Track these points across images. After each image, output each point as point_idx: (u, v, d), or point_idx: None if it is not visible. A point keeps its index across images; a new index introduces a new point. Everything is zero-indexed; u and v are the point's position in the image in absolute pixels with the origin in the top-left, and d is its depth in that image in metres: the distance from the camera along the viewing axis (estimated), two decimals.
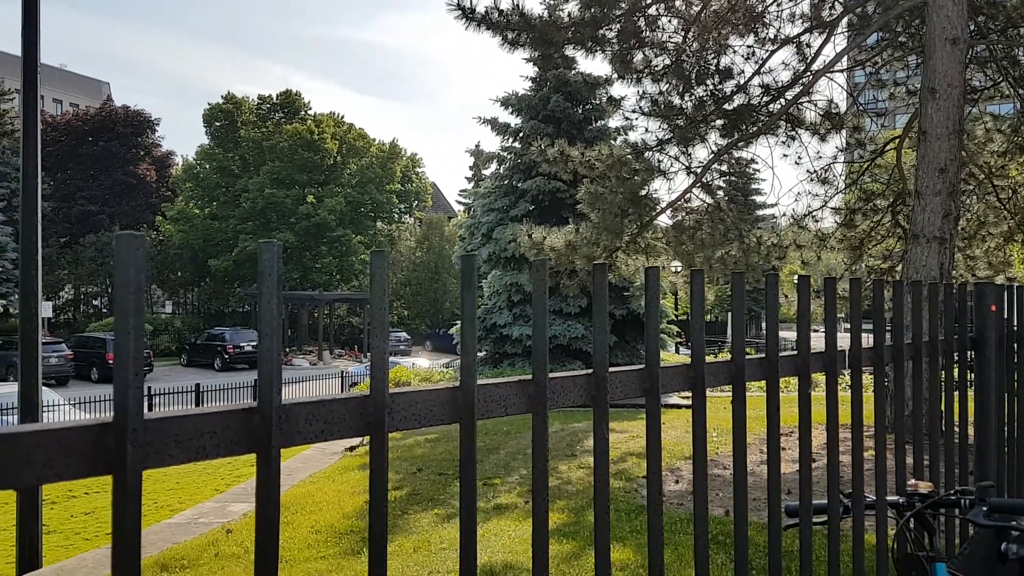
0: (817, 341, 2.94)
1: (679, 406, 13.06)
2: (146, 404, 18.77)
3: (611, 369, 1.75)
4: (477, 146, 59.19)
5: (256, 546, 1.19)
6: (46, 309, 37.85)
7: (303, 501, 8.28)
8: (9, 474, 0.94)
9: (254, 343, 38.39)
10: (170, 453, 1.09)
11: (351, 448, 12.42)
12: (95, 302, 49.32)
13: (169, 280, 49.05)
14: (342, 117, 49.72)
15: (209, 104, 48.20)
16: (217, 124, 47.56)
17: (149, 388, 19.68)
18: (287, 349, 43.22)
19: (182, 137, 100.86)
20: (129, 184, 51.06)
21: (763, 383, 2.28)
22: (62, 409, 17.58)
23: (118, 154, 50.86)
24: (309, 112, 49.32)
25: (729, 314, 35.85)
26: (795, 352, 2.40)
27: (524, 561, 6.00)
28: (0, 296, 38.51)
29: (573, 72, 19.13)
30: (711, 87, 9.85)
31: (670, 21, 9.47)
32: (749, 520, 2.62)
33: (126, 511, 1.03)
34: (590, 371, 1.72)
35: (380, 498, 1.33)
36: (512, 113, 21.04)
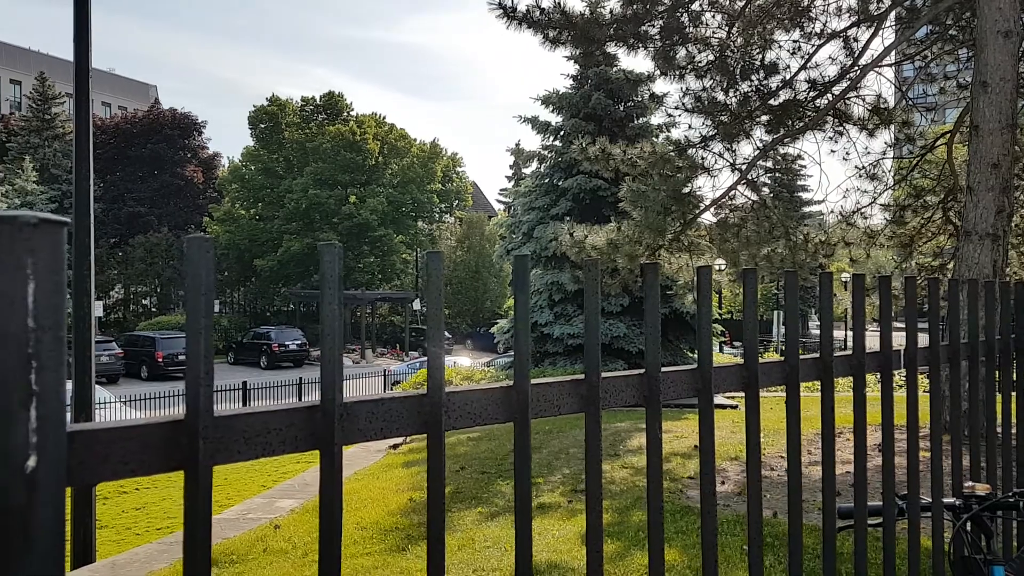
0: (867, 340, 2.88)
1: (723, 406, 12.92)
2: None
3: (663, 369, 1.74)
4: (517, 145, 59.24)
5: (320, 539, 1.22)
6: (97, 309, 38.84)
7: (348, 498, 8.37)
8: (89, 470, 0.98)
9: (298, 341, 38.94)
10: (238, 449, 1.12)
11: (394, 446, 12.52)
12: (144, 301, 50.45)
13: (216, 280, 49.92)
14: (384, 118, 50.16)
15: (254, 106, 49.02)
16: (262, 126, 48.30)
17: None
18: None
19: (228, 139, 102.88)
20: (177, 185, 52.13)
21: (810, 384, 2.25)
22: (114, 407, 18.03)
23: (166, 156, 51.95)
24: (351, 113, 49.84)
25: (775, 313, 35.31)
26: (850, 352, 2.36)
27: (568, 560, 6.00)
28: None
29: (614, 69, 19.02)
30: (756, 82, 9.72)
31: (714, 16, 9.37)
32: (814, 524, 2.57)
33: (197, 504, 1.06)
34: (642, 371, 1.72)
35: (438, 496, 1.35)
36: (553, 111, 21.00)
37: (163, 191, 51.32)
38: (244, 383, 20.24)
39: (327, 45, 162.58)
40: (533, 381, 1.48)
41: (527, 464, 1.46)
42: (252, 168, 48.06)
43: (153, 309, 49.01)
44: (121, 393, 21.87)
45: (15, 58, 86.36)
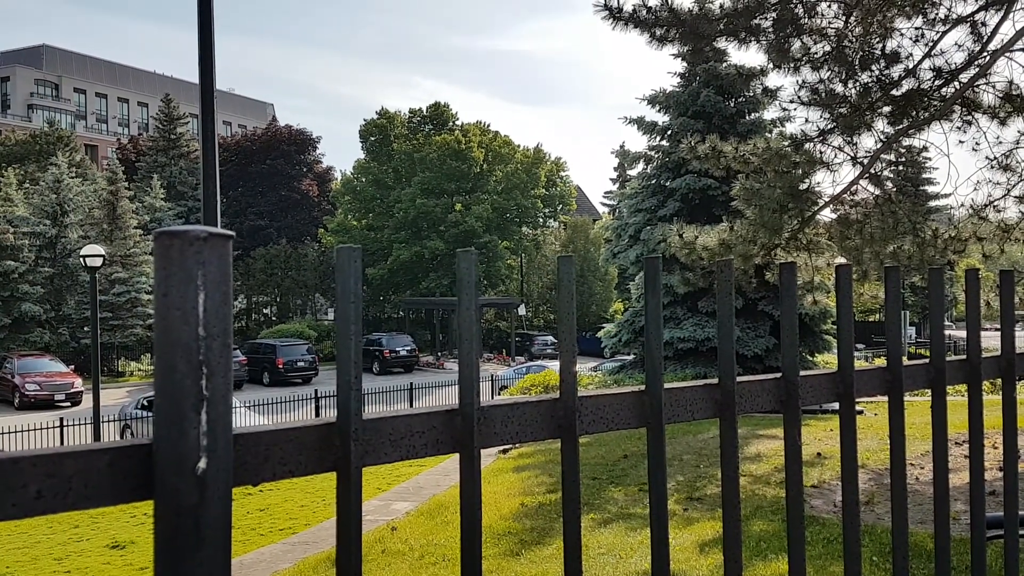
0: (989, 341, 2.66)
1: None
2: (313, 407, 19.91)
3: (802, 373, 1.68)
4: (622, 146, 58.63)
5: (462, 542, 1.23)
6: None
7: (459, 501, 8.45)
8: (251, 470, 1.02)
9: (408, 348, 39.85)
10: (385, 452, 1.14)
11: (504, 450, 12.62)
12: (264, 310, 52.87)
13: (331, 288, 51.77)
14: (488, 125, 50.80)
15: (365, 120, 50.59)
16: (372, 139, 49.80)
17: (316, 391, 20.82)
18: (439, 353, 44.57)
19: (340, 152, 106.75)
20: (294, 199, 54.42)
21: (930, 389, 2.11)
22: (238, 411, 18.95)
23: (283, 171, 54.34)
24: (456, 123, 50.71)
25: (903, 312, 33.54)
26: (998, 353, 2.21)
27: (687, 569, 5.88)
28: None
29: (724, 64, 18.59)
30: (876, 72, 9.27)
31: (830, 6, 9.00)
32: (932, 532, 2.39)
33: (349, 504, 1.09)
34: (779, 375, 1.66)
35: (573, 502, 1.34)
36: (659, 111, 20.71)
37: (281, 205, 53.68)
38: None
39: (435, 56, 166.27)
40: (667, 385, 1.46)
41: (662, 471, 1.44)
42: (363, 180, 49.60)
43: (273, 318, 51.27)
44: (245, 399, 22.96)
45: (142, 82, 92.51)
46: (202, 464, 0.90)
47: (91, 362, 18.03)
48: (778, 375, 1.66)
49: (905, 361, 1.92)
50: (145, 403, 21.19)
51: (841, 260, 12.54)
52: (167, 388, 0.92)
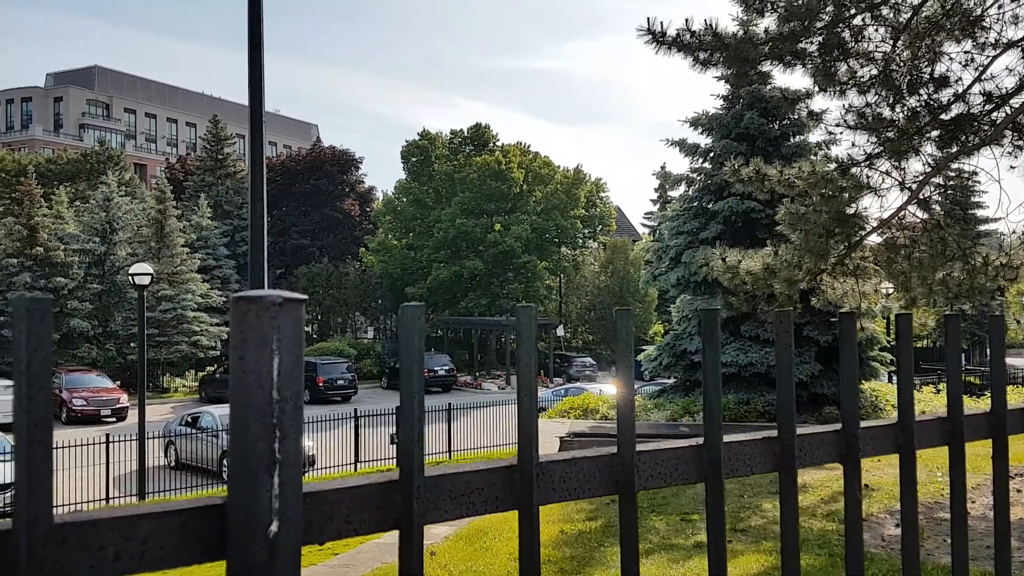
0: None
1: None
2: (352, 426, 20.06)
3: (862, 425, 1.65)
4: (663, 168, 58.49)
5: None
6: None
7: (500, 527, 8.44)
8: (317, 529, 1.04)
9: (447, 367, 39.94)
10: (445, 509, 1.15)
11: None
12: (306, 329, 53.45)
13: (371, 307, 52.31)
14: (528, 146, 51.04)
15: (406, 141, 51.20)
16: (413, 160, 50.35)
17: (355, 410, 20.95)
18: (477, 373, 44.63)
19: (380, 170, 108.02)
20: (336, 219, 55.17)
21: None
22: None
23: (326, 191, 55.18)
24: (497, 143, 51.05)
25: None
26: None
27: None
28: (225, 324, 42.61)
29: (768, 87, 18.47)
30: (925, 97, 9.14)
31: (876, 30, 8.90)
32: (985, 569, 2.32)
33: (411, 562, 1.10)
34: (839, 427, 1.63)
35: (632, 561, 1.33)
36: (702, 133, 20.61)
37: (324, 224, 54.44)
38: (398, 408, 21.02)
39: (474, 76, 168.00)
40: (725, 439, 1.44)
41: (720, 524, 1.42)
42: (404, 200, 50.11)
43: (314, 336, 51.84)
44: None
45: (190, 102, 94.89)
46: (274, 527, 0.92)
47: (137, 378, 18.39)
48: (838, 427, 1.64)
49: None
50: (189, 420, 21.52)
51: (887, 285, 12.33)
52: (241, 450, 0.94)
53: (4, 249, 36.47)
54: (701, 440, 1.42)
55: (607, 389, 28.06)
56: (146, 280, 18.37)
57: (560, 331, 46.00)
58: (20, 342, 0.83)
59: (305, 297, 0.99)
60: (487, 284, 47.04)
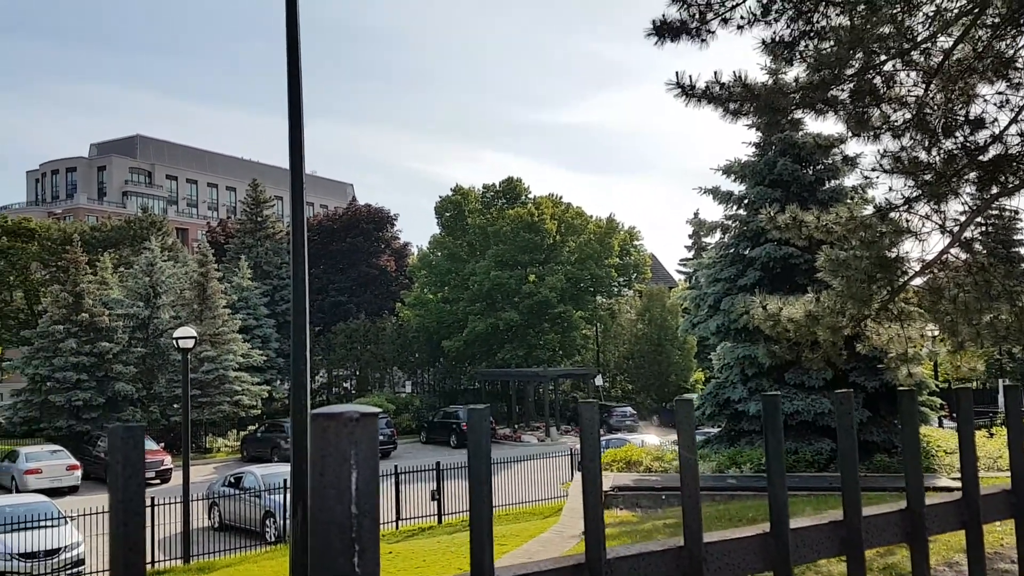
0: None
1: (947, 488, 11.73)
2: (392, 482, 19.98)
3: (927, 503, 1.62)
4: (696, 215, 58.46)
5: None
6: None
7: None
8: None
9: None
10: None
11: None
12: (345, 384, 53.80)
13: (408, 361, 52.48)
14: (560, 197, 51.39)
15: (440, 197, 51.92)
16: (447, 214, 50.96)
17: (395, 467, 20.89)
18: (516, 426, 44.32)
19: (414, 226, 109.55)
20: (372, 275, 55.83)
21: None
22: None
23: (363, 248, 55.98)
24: (529, 195, 51.51)
25: (999, 382, 31.95)
26: None
27: None
28: (266, 382, 43.04)
29: (801, 134, 18.49)
30: (961, 139, 9.07)
31: (908, 75, 8.90)
32: None
33: None
34: (903, 507, 1.61)
35: None
36: (735, 180, 20.63)
37: (360, 280, 55.11)
38: (437, 464, 20.90)
39: (504, 130, 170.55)
40: (792, 525, 1.43)
41: None
42: (438, 254, 50.61)
43: (353, 391, 52.07)
44: None
45: (229, 167, 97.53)
46: None
47: (182, 440, 18.58)
48: (903, 507, 1.61)
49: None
50: (232, 480, 21.61)
51: (933, 328, 12.08)
52: (322, 564, 0.96)
53: (51, 316, 37.37)
54: (767, 527, 1.41)
55: (649, 439, 27.65)
56: (190, 343, 18.68)
57: (599, 380, 45.63)
58: (116, 470, 0.87)
59: (379, 411, 1.01)
60: (523, 335, 47.00)
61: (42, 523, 16.48)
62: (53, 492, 25.14)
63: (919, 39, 8.61)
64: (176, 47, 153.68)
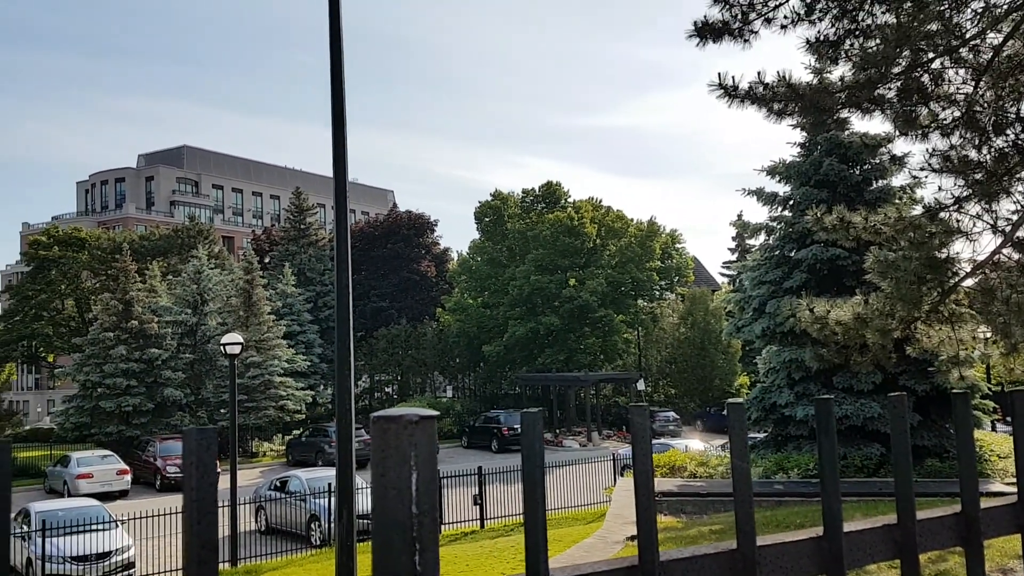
0: None
1: (1001, 493, 11.42)
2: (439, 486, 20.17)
3: (982, 506, 1.60)
4: (739, 217, 57.71)
5: None
6: None
7: None
8: None
9: None
10: None
11: (632, 537, 12.29)
12: (387, 389, 54.25)
13: (449, 366, 52.74)
14: (600, 201, 51.22)
15: (479, 202, 52.12)
16: (486, 220, 51.14)
17: (439, 471, 20.99)
18: (557, 430, 44.24)
19: (454, 231, 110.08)
20: (413, 280, 56.26)
21: None
22: (364, 492, 19.34)
23: (403, 254, 56.46)
24: (568, 200, 51.44)
25: None
26: None
27: None
28: (309, 387, 43.60)
29: (847, 133, 18.18)
30: (1012, 137, 8.85)
31: (956, 72, 8.73)
32: None
33: None
34: (958, 509, 1.59)
35: None
36: (780, 181, 20.37)
37: (401, 286, 55.58)
38: (479, 468, 20.96)
39: (545, 135, 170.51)
40: (845, 528, 1.42)
41: None
42: (478, 259, 50.80)
43: (395, 396, 52.48)
44: (367, 477, 23.34)
45: (273, 176, 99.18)
46: None
47: (229, 444, 18.91)
48: (957, 509, 1.59)
49: None
50: (278, 484, 21.94)
51: (985, 330, 11.78)
52: (384, 563, 0.99)
53: (102, 324, 38.31)
54: (820, 531, 1.41)
55: (692, 444, 27.40)
56: (237, 349, 19.02)
57: (641, 385, 45.35)
58: (191, 470, 0.91)
59: (437, 414, 1.04)
60: (564, 339, 46.91)
61: (94, 527, 16.87)
62: (104, 496, 25.73)
63: (968, 36, 8.43)
64: (221, 59, 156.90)
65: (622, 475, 22.61)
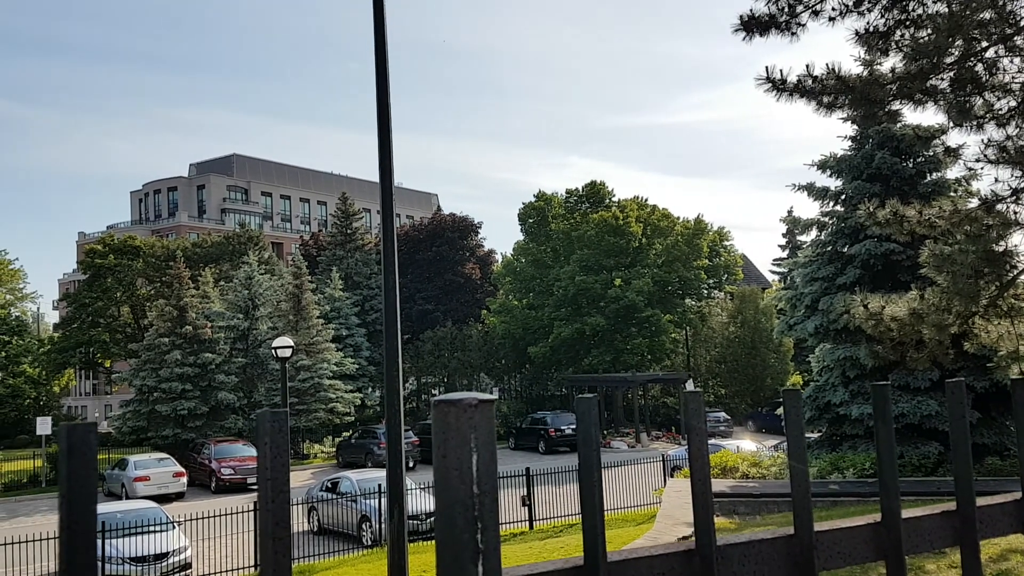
0: None
1: None
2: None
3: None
4: (790, 213, 56.80)
5: None
6: None
7: None
8: None
9: (574, 426, 39.46)
10: None
11: (684, 538, 12.18)
12: (433, 391, 54.61)
13: (495, 368, 52.88)
14: (645, 200, 50.87)
15: (523, 203, 52.18)
16: (530, 221, 51.18)
17: None
18: (604, 432, 44.02)
19: (499, 234, 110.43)
20: (458, 283, 56.58)
21: None
22: (413, 493, 19.50)
23: (448, 257, 56.82)
24: (613, 199, 51.19)
25: None
26: None
27: None
28: (358, 390, 44.10)
29: (899, 126, 17.79)
30: None
31: (1011, 61, 8.50)
32: None
33: None
34: (1019, 496, 1.57)
35: None
36: (831, 175, 20.00)
37: (446, 289, 55.93)
38: (527, 469, 20.96)
39: (590, 136, 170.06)
40: (905, 514, 1.42)
41: None
42: (522, 260, 50.85)
43: None
44: (419, 480, 23.58)
45: (320, 182, 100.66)
46: None
47: None
48: (1019, 496, 1.57)
49: None
50: (329, 485, 22.25)
51: None
52: (447, 541, 1.02)
53: (157, 329, 39.29)
54: (878, 517, 1.41)
55: (744, 445, 27.03)
56: (287, 352, 19.37)
57: (690, 385, 44.91)
58: (264, 451, 0.95)
59: (495, 398, 1.07)
60: (610, 340, 46.67)
61: (151, 528, 17.29)
62: (161, 498, 26.36)
63: (1023, 23, 8.20)
64: (268, 68, 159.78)
65: (672, 476, 22.43)
